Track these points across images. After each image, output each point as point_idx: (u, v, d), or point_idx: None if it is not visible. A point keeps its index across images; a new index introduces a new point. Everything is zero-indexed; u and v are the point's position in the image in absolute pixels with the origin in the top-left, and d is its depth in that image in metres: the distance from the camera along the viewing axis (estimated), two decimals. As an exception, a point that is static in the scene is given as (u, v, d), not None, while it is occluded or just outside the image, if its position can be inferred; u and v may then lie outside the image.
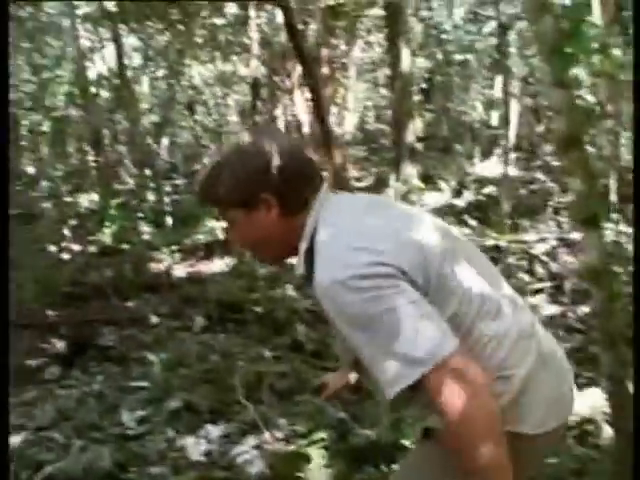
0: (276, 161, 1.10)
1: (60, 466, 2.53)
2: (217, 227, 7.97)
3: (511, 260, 5.80)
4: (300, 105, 9.60)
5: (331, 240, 1.06)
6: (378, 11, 10.37)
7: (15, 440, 2.86)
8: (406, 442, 2.50)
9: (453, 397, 0.94)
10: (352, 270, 0.99)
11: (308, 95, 12.01)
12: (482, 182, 8.90)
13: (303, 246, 1.12)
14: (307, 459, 2.45)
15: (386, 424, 2.75)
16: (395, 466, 2.36)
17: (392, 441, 2.58)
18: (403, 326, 0.95)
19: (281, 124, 14.91)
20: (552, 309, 4.86)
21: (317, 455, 2.45)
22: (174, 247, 7.11)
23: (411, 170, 8.42)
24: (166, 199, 9.89)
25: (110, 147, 10.62)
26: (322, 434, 2.66)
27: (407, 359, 0.96)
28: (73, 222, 8.94)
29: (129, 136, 12.90)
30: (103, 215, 8.40)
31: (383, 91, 16.87)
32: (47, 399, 3.95)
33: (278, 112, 14.69)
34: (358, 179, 12.29)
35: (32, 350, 4.62)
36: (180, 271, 6.73)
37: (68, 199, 10.61)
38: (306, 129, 9.38)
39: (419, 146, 10.31)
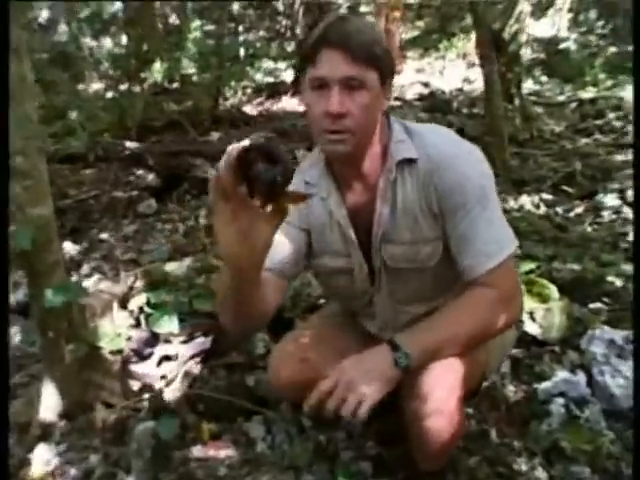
0: None
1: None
2: (278, 67, 7.25)
3: None
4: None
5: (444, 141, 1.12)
6: None
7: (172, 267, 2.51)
8: (612, 279, 2.18)
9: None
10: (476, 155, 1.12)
11: None
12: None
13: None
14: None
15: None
16: (599, 304, 2.09)
17: (598, 277, 2.23)
18: (499, 213, 1.11)
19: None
20: None
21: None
22: (241, 84, 6.41)
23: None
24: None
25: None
26: (530, 265, 2.27)
27: (509, 235, 1.10)
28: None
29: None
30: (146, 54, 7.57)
31: None
32: (150, 233, 3.58)
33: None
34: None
35: (118, 183, 4.16)
36: (249, 109, 6.14)
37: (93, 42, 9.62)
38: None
39: None
